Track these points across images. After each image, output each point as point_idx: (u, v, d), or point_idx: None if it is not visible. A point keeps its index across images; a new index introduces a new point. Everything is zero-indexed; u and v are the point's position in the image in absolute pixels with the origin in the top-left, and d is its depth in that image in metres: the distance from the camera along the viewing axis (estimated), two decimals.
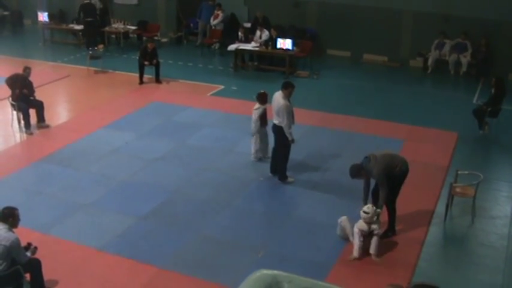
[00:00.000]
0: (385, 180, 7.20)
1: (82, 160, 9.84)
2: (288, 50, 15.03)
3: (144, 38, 17.63)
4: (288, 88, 8.81)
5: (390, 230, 7.63)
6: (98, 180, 9.16)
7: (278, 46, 15.15)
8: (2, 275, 5.95)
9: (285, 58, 15.21)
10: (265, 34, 15.59)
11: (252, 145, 9.81)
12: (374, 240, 7.08)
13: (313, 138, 10.87)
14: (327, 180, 9.26)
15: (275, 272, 5.30)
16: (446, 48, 15.48)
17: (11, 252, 5.96)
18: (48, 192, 8.77)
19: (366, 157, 7.33)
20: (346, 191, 8.59)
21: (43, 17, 18.29)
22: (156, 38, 17.85)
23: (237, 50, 15.77)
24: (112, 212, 8.23)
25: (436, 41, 15.61)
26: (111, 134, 11.03)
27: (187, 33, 18.93)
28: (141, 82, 14.27)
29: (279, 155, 9.11)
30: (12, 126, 11.24)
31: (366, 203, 7.32)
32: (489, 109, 11.18)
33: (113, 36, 18.49)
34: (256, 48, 15.64)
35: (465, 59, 15.23)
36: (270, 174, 9.33)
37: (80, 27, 17.89)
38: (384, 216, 7.54)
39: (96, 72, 15.32)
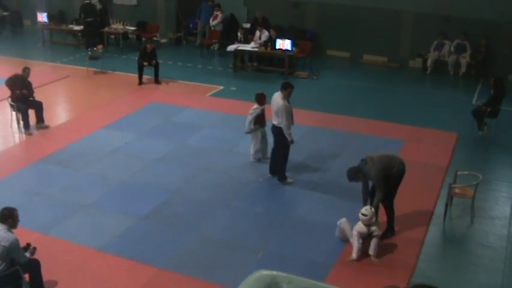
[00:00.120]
0: (382, 182, 7.21)
1: (81, 160, 9.84)
2: (287, 50, 15.02)
3: (144, 39, 17.65)
4: (287, 89, 8.80)
5: (389, 231, 7.63)
6: (98, 180, 9.16)
7: (277, 47, 15.13)
8: (1, 276, 5.94)
9: (285, 59, 15.20)
10: (265, 35, 15.58)
11: (251, 146, 9.81)
12: (373, 242, 7.08)
13: (313, 139, 10.87)
14: (326, 180, 9.26)
15: (274, 272, 5.31)
16: (446, 49, 15.49)
17: (10, 253, 5.96)
18: (47, 193, 8.77)
19: (363, 160, 7.33)
20: (345, 192, 8.57)
21: (42, 17, 18.30)
22: (155, 38, 17.89)
23: (236, 51, 15.76)
24: (112, 212, 8.23)
25: (435, 42, 15.63)
26: (111, 134, 11.03)
27: (186, 33, 18.93)
28: (141, 83, 14.27)
29: (278, 155, 9.11)
30: (11, 126, 11.24)
31: (365, 205, 7.31)
32: (488, 110, 11.19)
33: (112, 36, 18.51)
34: (256, 49, 15.63)
35: (464, 59, 15.24)
36: (269, 175, 9.32)
37: (79, 27, 17.91)
38: (383, 217, 7.55)
39: (95, 72, 15.32)
